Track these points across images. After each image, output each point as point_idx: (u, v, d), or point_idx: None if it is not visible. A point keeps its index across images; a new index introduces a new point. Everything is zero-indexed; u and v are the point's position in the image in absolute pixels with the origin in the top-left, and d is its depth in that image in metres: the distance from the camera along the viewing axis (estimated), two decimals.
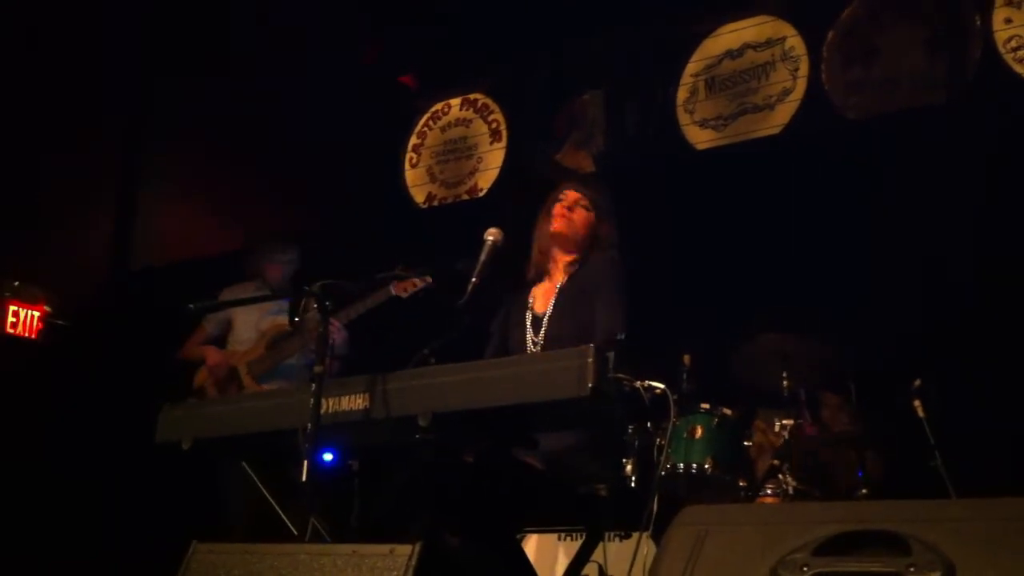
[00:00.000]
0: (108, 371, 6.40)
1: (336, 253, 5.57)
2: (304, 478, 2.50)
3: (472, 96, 6.42)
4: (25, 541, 5.67)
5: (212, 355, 5.14)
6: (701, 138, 5.45)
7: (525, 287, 3.57)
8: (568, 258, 3.51)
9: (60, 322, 6.53)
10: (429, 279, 4.13)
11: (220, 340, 5.24)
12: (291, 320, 4.27)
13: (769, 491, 3.85)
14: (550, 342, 3.35)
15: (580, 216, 3.51)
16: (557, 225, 3.49)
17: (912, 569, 1.64)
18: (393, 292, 4.41)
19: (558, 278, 3.50)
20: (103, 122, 6.98)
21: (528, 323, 3.43)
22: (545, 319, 3.39)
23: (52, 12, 6.47)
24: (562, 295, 3.42)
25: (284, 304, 4.94)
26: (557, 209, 3.51)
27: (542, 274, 3.55)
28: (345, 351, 4.68)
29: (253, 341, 5.12)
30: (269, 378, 5.01)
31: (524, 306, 3.50)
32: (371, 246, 5.59)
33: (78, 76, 6.65)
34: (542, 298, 3.49)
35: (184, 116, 7.11)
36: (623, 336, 3.01)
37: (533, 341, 3.38)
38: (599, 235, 3.51)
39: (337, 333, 4.54)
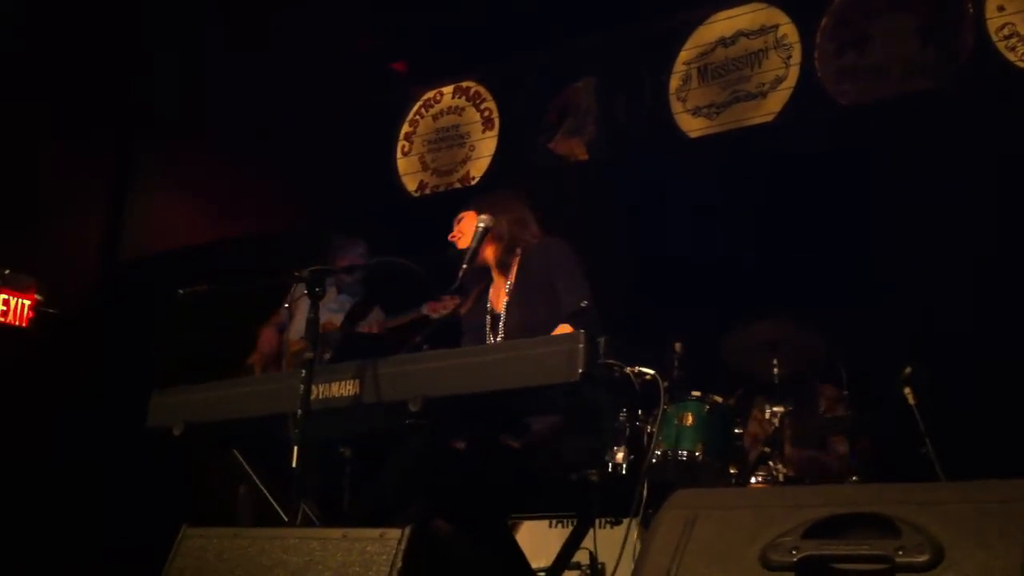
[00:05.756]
0: (99, 359, 6.39)
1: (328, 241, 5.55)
2: (294, 464, 2.49)
3: (464, 84, 6.40)
4: (14, 529, 5.66)
5: (267, 338, 5.19)
6: (694, 126, 5.45)
7: (484, 290, 3.46)
8: (506, 277, 3.40)
9: (51, 310, 6.51)
10: (458, 303, 4.14)
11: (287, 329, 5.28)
12: (344, 321, 4.43)
13: (759, 478, 3.86)
14: (507, 339, 3.26)
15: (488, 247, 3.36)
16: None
17: (901, 552, 1.63)
18: (424, 311, 4.62)
19: (507, 277, 3.40)
20: (97, 113, 6.95)
21: (487, 324, 3.36)
22: (501, 319, 3.32)
23: (50, 5, 6.45)
24: (514, 291, 3.34)
25: (346, 302, 4.96)
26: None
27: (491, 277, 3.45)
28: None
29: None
30: None
31: (484, 307, 3.42)
32: (363, 234, 5.57)
33: (73, 67, 6.62)
34: (497, 298, 3.41)
35: (176, 108, 7.08)
36: (586, 304, 2.96)
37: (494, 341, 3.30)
38: (518, 240, 3.36)
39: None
